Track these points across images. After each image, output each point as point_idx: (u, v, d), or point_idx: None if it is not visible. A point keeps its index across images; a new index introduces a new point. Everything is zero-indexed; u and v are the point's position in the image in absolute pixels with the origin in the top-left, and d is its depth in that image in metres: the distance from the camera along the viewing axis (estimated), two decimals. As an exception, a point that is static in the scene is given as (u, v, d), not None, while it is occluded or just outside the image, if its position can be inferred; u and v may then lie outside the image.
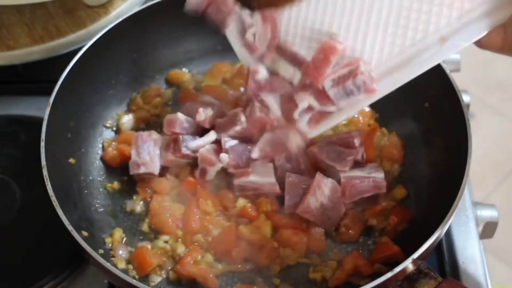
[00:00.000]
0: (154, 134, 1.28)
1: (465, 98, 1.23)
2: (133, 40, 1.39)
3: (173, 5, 1.38)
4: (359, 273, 1.12)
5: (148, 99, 1.40)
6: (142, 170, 1.24)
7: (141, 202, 1.26)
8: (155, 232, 1.22)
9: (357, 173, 1.20)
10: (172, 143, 1.25)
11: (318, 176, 1.18)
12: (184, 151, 1.24)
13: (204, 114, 1.26)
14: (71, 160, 1.26)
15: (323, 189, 1.17)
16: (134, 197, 1.26)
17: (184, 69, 1.48)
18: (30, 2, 1.40)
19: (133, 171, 1.25)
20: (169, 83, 1.46)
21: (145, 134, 1.27)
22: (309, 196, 1.16)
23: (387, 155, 1.28)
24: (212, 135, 1.25)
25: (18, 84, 1.51)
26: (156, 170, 1.25)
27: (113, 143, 1.32)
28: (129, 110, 1.40)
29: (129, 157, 1.26)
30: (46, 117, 1.17)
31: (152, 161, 1.25)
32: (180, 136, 1.25)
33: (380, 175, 1.20)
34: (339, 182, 1.19)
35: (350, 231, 1.19)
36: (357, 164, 1.23)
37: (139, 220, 1.24)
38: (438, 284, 1.00)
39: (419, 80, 1.27)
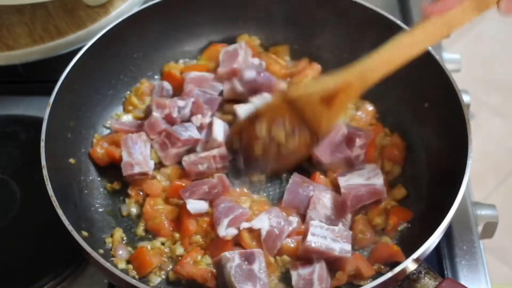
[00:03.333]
0: (144, 135, 1.28)
1: (465, 98, 1.23)
2: (133, 40, 1.38)
3: (173, 5, 1.39)
4: (360, 274, 1.12)
5: (142, 96, 1.39)
6: (137, 170, 1.23)
7: (135, 205, 1.25)
8: (152, 235, 1.22)
9: (356, 179, 1.21)
10: (166, 139, 1.26)
11: (316, 190, 1.19)
12: (184, 136, 1.25)
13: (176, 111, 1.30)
14: (71, 160, 1.25)
15: (323, 201, 1.18)
16: (127, 201, 1.26)
17: (184, 69, 1.47)
18: (30, 2, 1.40)
19: (126, 172, 1.24)
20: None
21: (134, 135, 1.27)
22: (309, 210, 1.17)
23: (388, 155, 1.28)
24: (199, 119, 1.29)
25: (18, 84, 1.51)
26: (150, 169, 1.25)
27: (103, 143, 1.30)
28: (124, 111, 1.40)
29: (118, 159, 1.26)
30: (46, 117, 1.17)
31: (146, 161, 1.25)
32: (170, 129, 1.27)
33: (379, 181, 1.20)
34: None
35: (367, 235, 1.18)
36: (353, 163, 1.24)
37: (136, 223, 1.24)
38: (438, 284, 1.00)
39: (419, 80, 1.28)
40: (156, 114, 1.29)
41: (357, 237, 1.17)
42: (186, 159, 1.24)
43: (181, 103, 1.31)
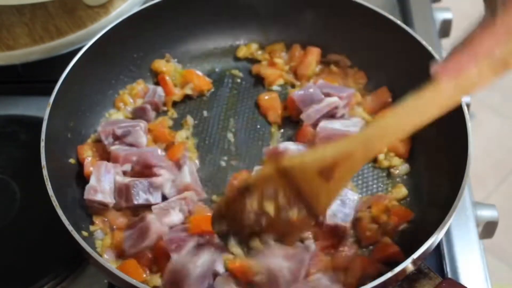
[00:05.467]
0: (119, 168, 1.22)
1: (465, 98, 1.23)
2: (133, 40, 1.38)
3: (173, 5, 1.39)
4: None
5: (135, 97, 1.38)
6: (99, 197, 1.17)
7: (102, 234, 1.19)
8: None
9: (335, 124, 1.25)
10: (124, 189, 1.19)
11: None
12: (137, 200, 1.18)
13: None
14: (71, 160, 1.25)
15: None
16: (91, 228, 1.19)
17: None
18: (30, 2, 1.40)
19: (88, 195, 1.17)
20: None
21: (109, 165, 1.22)
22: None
23: (392, 148, 1.28)
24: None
25: (18, 84, 1.51)
26: (111, 203, 1.19)
27: (90, 158, 1.24)
28: (115, 107, 1.37)
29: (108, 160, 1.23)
30: (46, 117, 1.17)
31: (110, 193, 1.19)
32: (133, 183, 1.18)
33: (355, 130, 1.22)
34: None
35: (373, 231, 1.17)
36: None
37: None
38: (438, 284, 1.00)
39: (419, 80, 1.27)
40: (121, 150, 1.24)
41: (364, 234, 1.17)
42: (156, 208, 1.17)
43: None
